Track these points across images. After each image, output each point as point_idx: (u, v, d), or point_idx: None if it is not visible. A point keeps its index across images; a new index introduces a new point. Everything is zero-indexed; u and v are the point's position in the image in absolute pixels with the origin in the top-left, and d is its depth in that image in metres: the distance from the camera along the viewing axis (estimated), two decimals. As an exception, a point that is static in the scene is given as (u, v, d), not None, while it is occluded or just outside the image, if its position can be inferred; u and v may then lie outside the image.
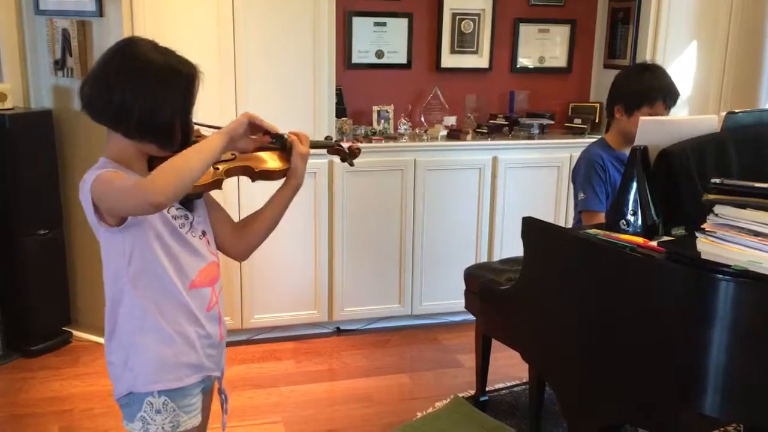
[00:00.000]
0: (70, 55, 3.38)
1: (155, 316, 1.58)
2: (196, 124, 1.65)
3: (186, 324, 1.61)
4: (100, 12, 3.27)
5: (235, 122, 1.57)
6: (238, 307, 3.54)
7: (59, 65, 3.43)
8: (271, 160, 1.74)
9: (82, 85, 1.55)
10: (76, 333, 3.66)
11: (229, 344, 3.32)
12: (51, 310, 3.53)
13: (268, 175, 1.73)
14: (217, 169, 1.63)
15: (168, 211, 1.59)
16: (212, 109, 1.63)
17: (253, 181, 1.74)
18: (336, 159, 3.40)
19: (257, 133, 1.66)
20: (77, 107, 3.50)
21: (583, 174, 2.62)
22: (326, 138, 1.87)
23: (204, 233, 1.68)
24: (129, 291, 1.57)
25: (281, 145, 1.73)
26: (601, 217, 2.51)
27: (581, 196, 2.62)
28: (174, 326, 1.59)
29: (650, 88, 2.52)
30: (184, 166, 1.43)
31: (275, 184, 1.77)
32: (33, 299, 3.43)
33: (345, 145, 1.91)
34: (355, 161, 1.92)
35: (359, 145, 1.91)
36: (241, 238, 1.78)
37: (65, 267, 3.60)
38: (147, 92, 1.50)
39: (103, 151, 1.58)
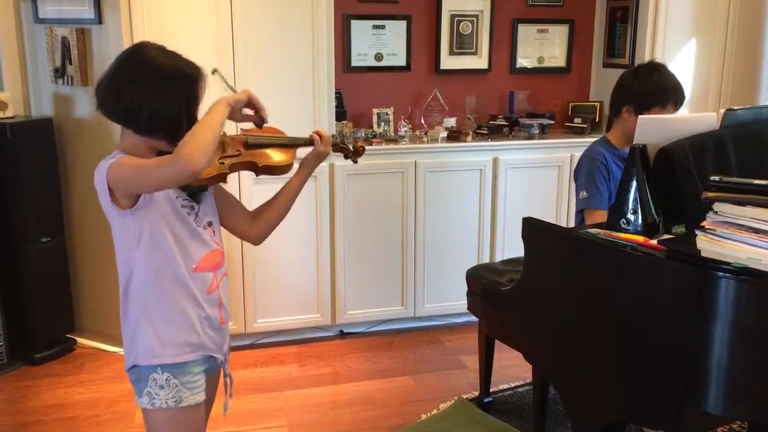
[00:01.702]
0: (70, 63, 3.39)
1: (159, 295, 1.72)
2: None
3: (187, 305, 1.74)
4: (99, 19, 3.28)
5: (238, 95, 1.75)
6: (241, 311, 3.54)
7: (59, 73, 3.44)
8: (275, 156, 1.87)
9: (96, 87, 1.71)
10: (79, 340, 3.67)
11: (233, 349, 3.32)
12: (54, 317, 3.53)
13: (272, 170, 1.87)
14: (223, 163, 1.75)
15: (176, 198, 1.72)
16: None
17: (257, 175, 1.88)
18: (338, 161, 3.44)
19: (252, 110, 1.81)
20: (78, 115, 3.54)
21: (586, 172, 2.59)
22: (332, 136, 1.98)
23: (210, 224, 1.80)
24: (138, 271, 1.71)
25: (304, 141, 1.90)
26: (604, 215, 2.49)
27: (583, 194, 2.58)
28: (176, 306, 1.73)
29: (662, 88, 2.50)
30: (203, 130, 1.59)
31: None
32: (36, 307, 3.44)
33: (350, 143, 2.00)
34: (358, 160, 2.05)
35: (364, 144, 2.02)
36: (256, 224, 1.94)
37: (68, 274, 3.60)
38: (154, 94, 1.64)
39: (118, 145, 1.73)
